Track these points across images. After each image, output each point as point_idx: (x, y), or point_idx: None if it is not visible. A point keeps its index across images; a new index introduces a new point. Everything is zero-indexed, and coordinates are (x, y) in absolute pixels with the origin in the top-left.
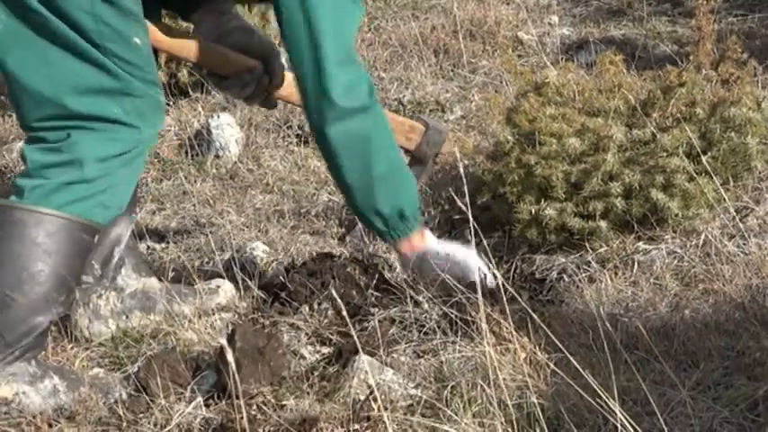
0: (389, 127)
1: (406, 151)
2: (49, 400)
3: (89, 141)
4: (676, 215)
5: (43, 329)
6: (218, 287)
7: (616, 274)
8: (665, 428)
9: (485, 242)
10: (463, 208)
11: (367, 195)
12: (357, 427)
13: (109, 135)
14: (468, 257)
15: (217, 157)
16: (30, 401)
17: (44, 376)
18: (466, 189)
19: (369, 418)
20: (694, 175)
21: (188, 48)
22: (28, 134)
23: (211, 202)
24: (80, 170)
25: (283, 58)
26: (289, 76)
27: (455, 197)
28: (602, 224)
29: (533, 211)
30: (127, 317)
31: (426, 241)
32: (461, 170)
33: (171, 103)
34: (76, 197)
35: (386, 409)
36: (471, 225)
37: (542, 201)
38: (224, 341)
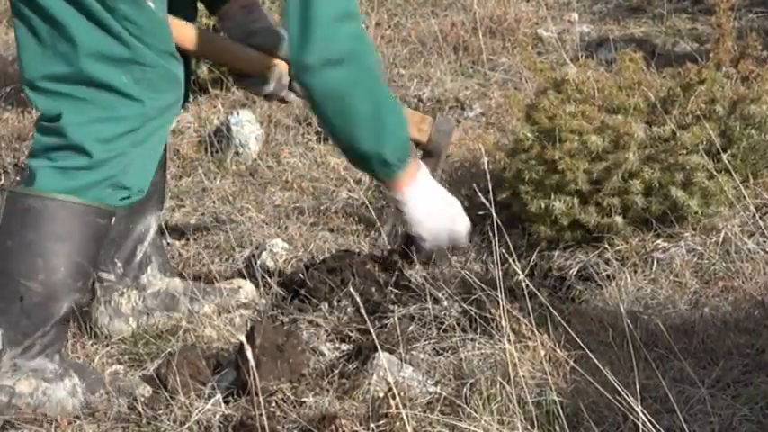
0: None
1: (418, 145)
2: (67, 400)
3: (85, 122)
4: (696, 213)
5: (61, 317)
6: (240, 287)
7: (635, 271)
8: (685, 426)
9: (507, 238)
10: (486, 204)
11: (350, 139)
12: (376, 424)
13: (108, 113)
14: (456, 216)
15: (236, 154)
16: (47, 399)
17: (65, 375)
18: (489, 186)
19: (388, 416)
20: (714, 172)
21: (211, 46)
22: (28, 90)
23: (231, 199)
24: (85, 155)
25: None
26: None
27: (478, 192)
28: (618, 219)
29: (543, 206)
30: (148, 315)
31: (415, 182)
32: (485, 166)
33: (190, 101)
34: (86, 182)
35: (405, 406)
36: (494, 221)
37: (552, 195)
38: (244, 338)
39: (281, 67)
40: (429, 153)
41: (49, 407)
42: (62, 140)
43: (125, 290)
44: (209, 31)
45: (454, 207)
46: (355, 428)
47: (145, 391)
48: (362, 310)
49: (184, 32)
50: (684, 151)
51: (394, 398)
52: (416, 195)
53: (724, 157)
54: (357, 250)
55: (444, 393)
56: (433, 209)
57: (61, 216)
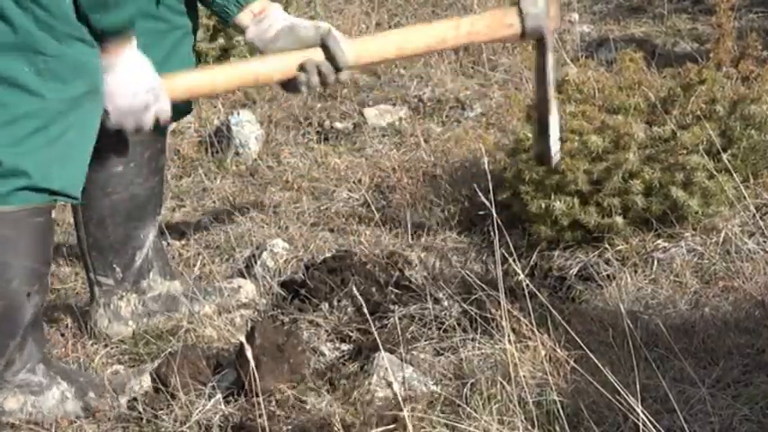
0: None
1: (522, 38)
2: (59, 408)
3: None
4: (696, 213)
5: (28, 324)
6: (240, 287)
7: (636, 271)
8: (685, 426)
9: (507, 238)
10: (487, 204)
11: None
12: (377, 424)
13: (10, 113)
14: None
15: (237, 154)
16: (37, 411)
17: (51, 384)
18: (490, 186)
19: (388, 415)
20: (714, 172)
21: (239, 76)
22: None
23: (231, 199)
24: None
25: (336, 32)
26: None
27: (479, 192)
28: (619, 220)
29: (543, 206)
30: (148, 318)
31: (119, 56)
32: (486, 166)
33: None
34: (5, 191)
35: (405, 406)
36: (495, 221)
37: (552, 195)
38: (244, 338)
39: (313, 57)
40: (536, 45)
41: (41, 418)
42: None
43: (124, 294)
44: (229, 64)
45: (150, 95)
46: (356, 429)
47: (137, 385)
48: (365, 309)
49: (211, 79)
50: (684, 151)
51: (395, 398)
52: (116, 70)
53: (724, 156)
54: (357, 250)
55: (445, 393)
56: (128, 90)
57: None
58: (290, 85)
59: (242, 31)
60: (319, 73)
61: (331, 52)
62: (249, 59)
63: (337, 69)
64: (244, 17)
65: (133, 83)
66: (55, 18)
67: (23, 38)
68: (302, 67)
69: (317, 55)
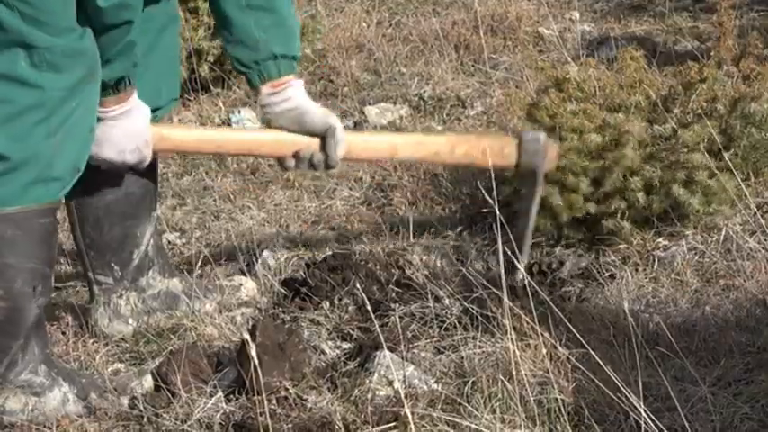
0: None
1: (515, 169)
2: (60, 409)
3: None
4: (697, 211)
5: (31, 324)
6: (241, 285)
7: (637, 270)
8: (686, 424)
9: (510, 236)
10: (490, 201)
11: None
12: (377, 422)
13: (11, 108)
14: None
15: None
16: (39, 413)
17: (53, 385)
18: (493, 183)
19: (389, 413)
20: (715, 171)
21: (229, 144)
22: None
23: (232, 197)
24: (2, 160)
25: (339, 130)
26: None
27: (481, 190)
28: (626, 224)
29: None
30: (149, 316)
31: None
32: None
33: (192, 99)
34: (14, 188)
35: (406, 403)
36: (497, 218)
37: (553, 192)
38: (247, 335)
39: (309, 147)
40: (525, 175)
41: (43, 419)
42: None
43: (124, 292)
44: (224, 129)
45: (135, 154)
46: (357, 427)
47: (139, 386)
48: (369, 307)
49: (202, 139)
50: (686, 150)
51: (396, 396)
52: (110, 123)
53: (726, 156)
54: (358, 249)
55: (446, 391)
56: (115, 147)
57: (2, 228)
58: (278, 161)
59: (257, 93)
60: (311, 162)
61: (327, 150)
62: (247, 129)
63: (328, 166)
64: (264, 88)
65: (122, 141)
66: (41, 11)
67: (13, 34)
68: (296, 155)
69: (314, 145)
